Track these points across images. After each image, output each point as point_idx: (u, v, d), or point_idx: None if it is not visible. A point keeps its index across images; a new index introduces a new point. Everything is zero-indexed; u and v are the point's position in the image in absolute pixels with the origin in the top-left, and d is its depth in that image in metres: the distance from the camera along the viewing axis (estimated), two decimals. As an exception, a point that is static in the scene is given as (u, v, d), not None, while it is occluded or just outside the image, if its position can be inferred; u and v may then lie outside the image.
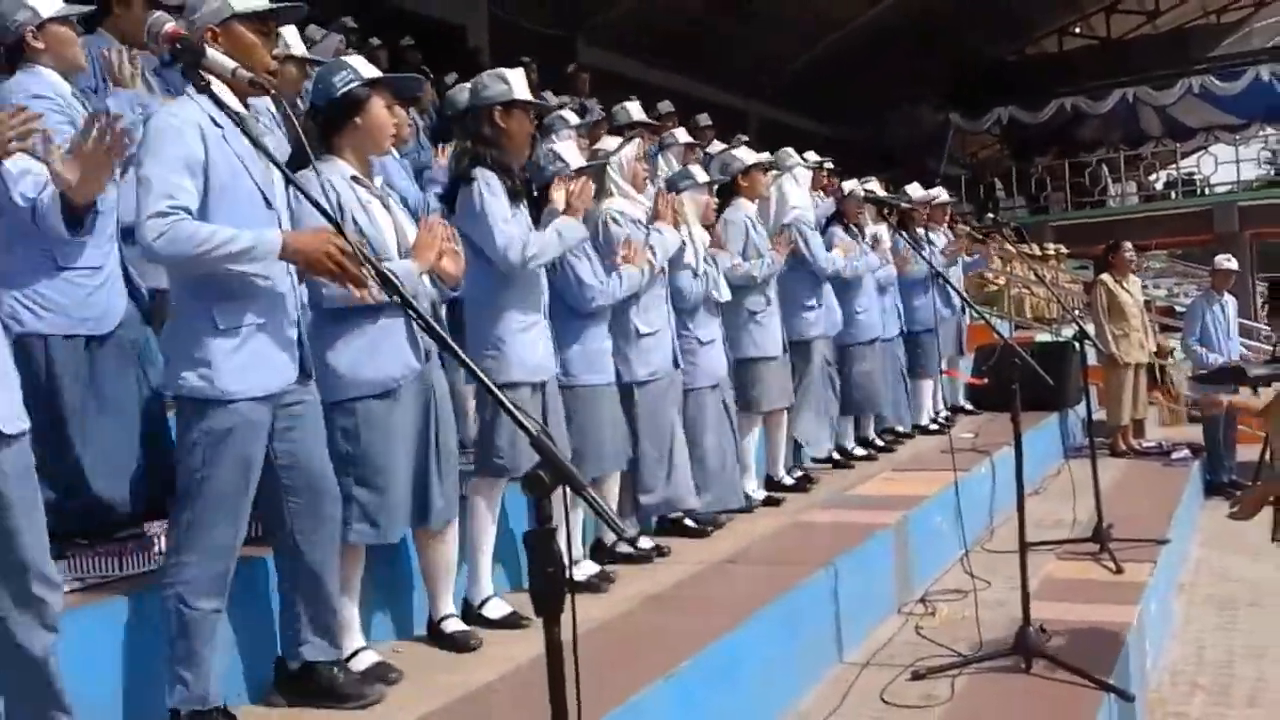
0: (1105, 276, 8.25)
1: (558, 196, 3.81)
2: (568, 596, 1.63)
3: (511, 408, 1.64)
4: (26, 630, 2.14)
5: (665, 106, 8.34)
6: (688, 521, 4.65)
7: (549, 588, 1.63)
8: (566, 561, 1.64)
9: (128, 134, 2.06)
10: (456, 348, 1.66)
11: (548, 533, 1.64)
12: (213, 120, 2.56)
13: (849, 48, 17.41)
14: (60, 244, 2.81)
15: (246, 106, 2.62)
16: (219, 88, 2.54)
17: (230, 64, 2.31)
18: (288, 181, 2.69)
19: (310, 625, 2.81)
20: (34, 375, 2.90)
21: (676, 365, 4.51)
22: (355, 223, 3.00)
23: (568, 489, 1.61)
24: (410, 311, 1.65)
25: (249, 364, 2.58)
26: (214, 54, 2.29)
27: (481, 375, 1.67)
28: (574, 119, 5.73)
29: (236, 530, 2.63)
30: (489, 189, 3.52)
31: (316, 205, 1.89)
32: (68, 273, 2.93)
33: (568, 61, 11.29)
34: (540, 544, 1.64)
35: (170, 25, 2.41)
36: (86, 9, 3.40)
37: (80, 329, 2.99)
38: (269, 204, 2.65)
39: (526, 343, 3.57)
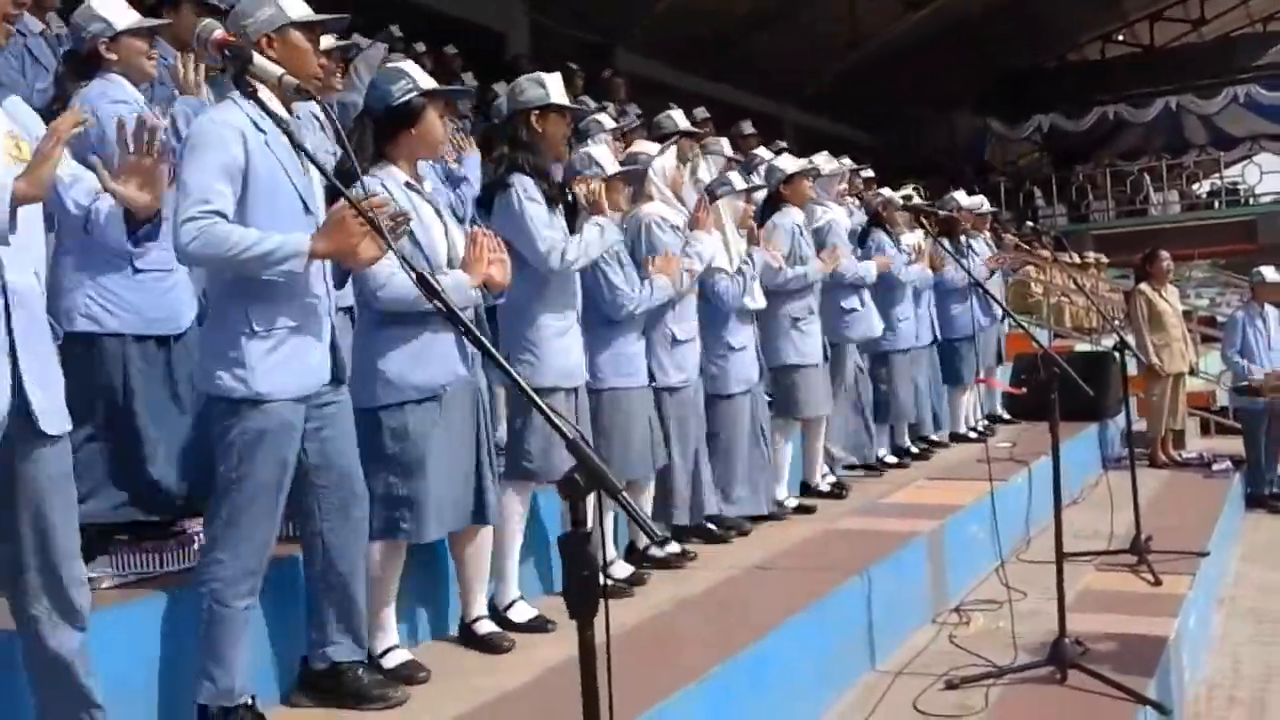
0: (1144, 286, 8.17)
1: (579, 191, 3.80)
2: (600, 600, 1.65)
3: (549, 413, 1.65)
4: (55, 630, 2.17)
5: (701, 113, 8.34)
6: (710, 526, 4.64)
7: (583, 591, 1.64)
8: (601, 565, 1.65)
9: (165, 143, 2.10)
10: (498, 356, 1.68)
11: (582, 536, 1.65)
12: (255, 125, 2.60)
13: (885, 54, 17.31)
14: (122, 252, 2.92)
15: (290, 111, 2.66)
16: (264, 93, 2.56)
17: (276, 70, 2.33)
18: (332, 187, 2.72)
19: (337, 626, 2.83)
20: (108, 374, 3.02)
21: (700, 373, 4.53)
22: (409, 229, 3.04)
23: (602, 493, 1.63)
24: (453, 320, 1.67)
25: (283, 366, 2.61)
26: (261, 60, 2.32)
27: (521, 382, 1.69)
28: (610, 123, 5.74)
29: (271, 529, 2.66)
30: (526, 194, 3.55)
31: (355, 205, 1.92)
32: (141, 275, 3.05)
33: (606, 68, 11.31)
34: (575, 547, 1.65)
35: (219, 32, 2.44)
36: (161, 22, 3.47)
37: (153, 329, 3.09)
38: (307, 209, 2.67)
39: (561, 348, 3.61)
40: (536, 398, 1.68)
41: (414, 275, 1.70)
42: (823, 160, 5.93)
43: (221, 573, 2.61)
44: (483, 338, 1.73)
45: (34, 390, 2.07)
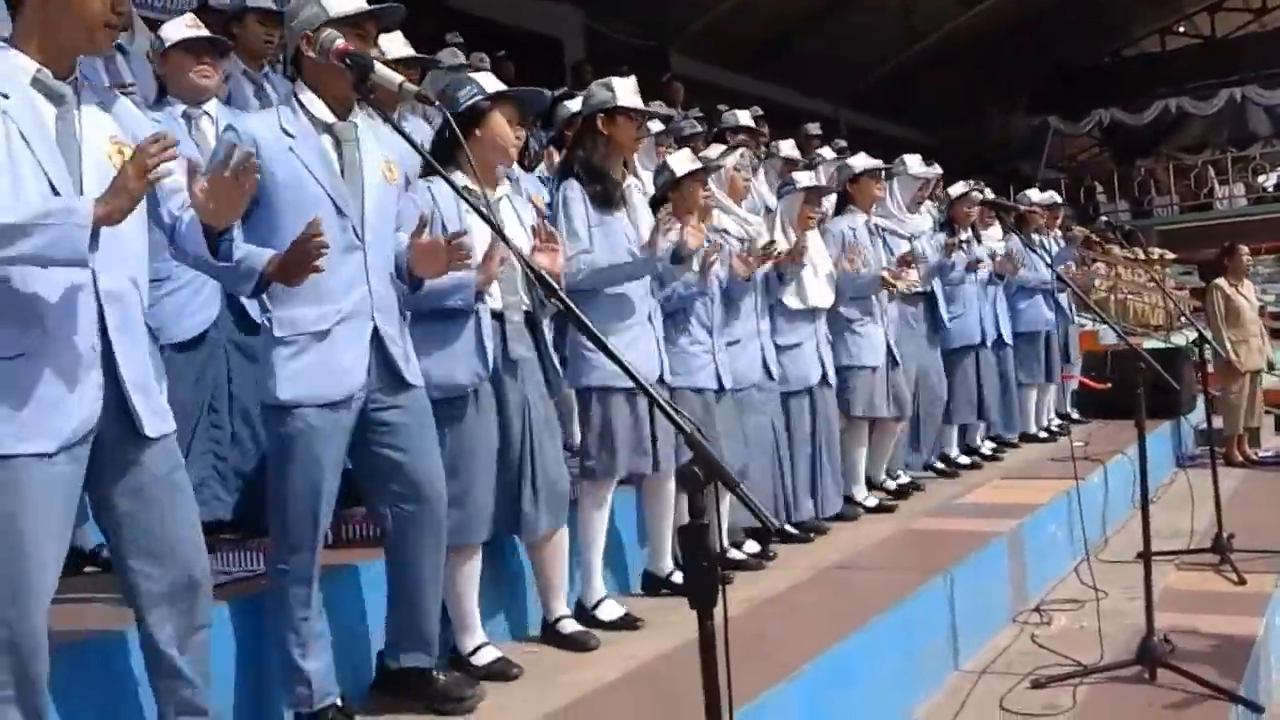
0: (1221, 281, 8.02)
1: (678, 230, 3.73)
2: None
3: (665, 406, 1.68)
4: (178, 625, 2.22)
5: (755, 111, 8.31)
6: (787, 527, 4.63)
7: (703, 581, 1.67)
8: (719, 556, 1.68)
9: (256, 167, 2.12)
10: (609, 344, 1.70)
11: (701, 527, 1.67)
12: (284, 131, 2.59)
13: (941, 52, 17.20)
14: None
15: (343, 117, 2.66)
16: (312, 101, 2.60)
17: (397, 78, 2.34)
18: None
19: (407, 632, 2.82)
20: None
21: (770, 376, 4.52)
22: (446, 231, 3.00)
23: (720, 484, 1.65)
24: (574, 320, 1.68)
25: (306, 372, 2.58)
26: (381, 68, 2.35)
27: (634, 373, 1.71)
28: (657, 125, 5.74)
29: (314, 537, 2.63)
30: (566, 202, 3.60)
31: (481, 214, 1.96)
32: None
33: (661, 72, 11.36)
34: (695, 538, 1.68)
35: (340, 42, 2.47)
36: (204, 35, 3.43)
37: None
38: (341, 211, 2.60)
39: (619, 347, 3.57)
40: (654, 393, 1.71)
41: (533, 273, 1.73)
42: (914, 162, 5.91)
43: (282, 579, 2.64)
44: (591, 326, 1.75)
45: (134, 393, 2.09)
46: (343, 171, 2.64)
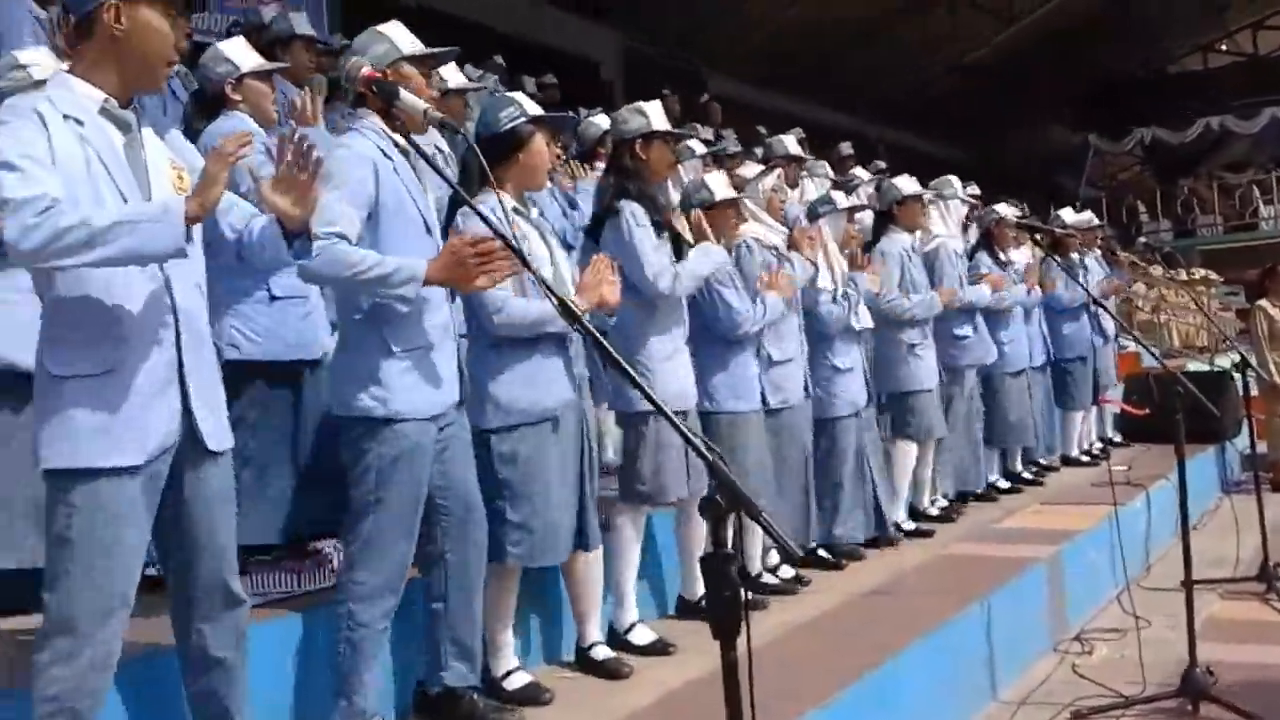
0: (1264, 302, 7.88)
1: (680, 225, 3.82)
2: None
3: (689, 434, 1.67)
4: (222, 640, 2.25)
5: (798, 133, 8.35)
6: (822, 552, 4.61)
7: (726, 611, 1.66)
8: (742, 585, 1.66)
9: (319, 160, 2.20)
10: (641, 383, 1.69)
11: (724, 556, 1.66)
12: (383, 153, 2.70)
13: (981, 70, 17.13)
14: (274, 273, 3.06)
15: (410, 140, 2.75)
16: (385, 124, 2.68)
17: (421, 104, 2.42)
18: (459, 208, 2.79)
19: (453, 650, 2.84)
20: (245, 399, 3.10)
21: (807, 394, 4.50)
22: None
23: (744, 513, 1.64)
24: (597, 345, 1.70)
25: (418, 385, 2.66)
26: (406, 95, 2.40)
27: (663, 407, 1.71)
28: (700, 148, 5.78)
29: (408, 549, 2.71)
30: (635, 220, 3.60)
31: (496, 232, 1.97)
32: (279, 302, 3.15)
33: (698, 92, 11.41)
34: (717, 568, 1.66)
35: (366, 69, 2.54)
36: (282, 65, 3.65)
37: (290, 354, 3.19)
38: (429, 229, 2.76)
39: (670, 371, 3.63)
40: (678, 422, 1.71)
41: (556, 301, 1.73)
42: (958, 186, 5.90)
43: (361, 593, 2.66)
44: (623, 362, 1.75)
45: (200, 410, 2.17)
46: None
